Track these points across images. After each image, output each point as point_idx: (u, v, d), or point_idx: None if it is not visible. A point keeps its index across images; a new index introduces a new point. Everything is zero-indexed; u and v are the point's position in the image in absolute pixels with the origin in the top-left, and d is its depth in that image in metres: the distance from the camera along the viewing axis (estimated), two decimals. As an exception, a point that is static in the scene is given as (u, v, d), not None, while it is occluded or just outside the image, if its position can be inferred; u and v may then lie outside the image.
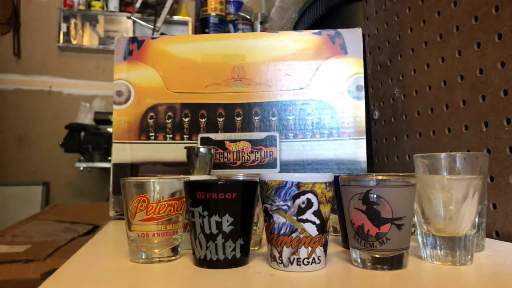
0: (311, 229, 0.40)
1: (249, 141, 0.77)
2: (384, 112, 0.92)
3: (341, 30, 0.77)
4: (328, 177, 0.41)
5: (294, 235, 0.40)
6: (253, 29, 1.92)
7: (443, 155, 0.50)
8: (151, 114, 0.79)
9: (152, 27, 1.72)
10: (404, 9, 0.84)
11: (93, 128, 2.45)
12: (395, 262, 0.41)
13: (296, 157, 0.77)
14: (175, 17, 2.68)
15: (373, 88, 0.96)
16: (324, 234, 0.41)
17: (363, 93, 0.76)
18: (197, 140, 0.78)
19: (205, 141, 0.78)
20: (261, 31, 1.90)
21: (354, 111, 0.75)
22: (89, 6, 2.63)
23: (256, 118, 0.78)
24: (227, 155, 0.77)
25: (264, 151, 0.77)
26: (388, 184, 0.40)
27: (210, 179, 0.52)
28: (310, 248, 0.40)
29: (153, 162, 0.77)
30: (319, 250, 0.41)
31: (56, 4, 2.63)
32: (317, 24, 1.16)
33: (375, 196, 0.40)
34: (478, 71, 0.64)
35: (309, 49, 0.77)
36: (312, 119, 0.76)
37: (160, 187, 0.44)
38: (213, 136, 0.78)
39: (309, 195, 0.40)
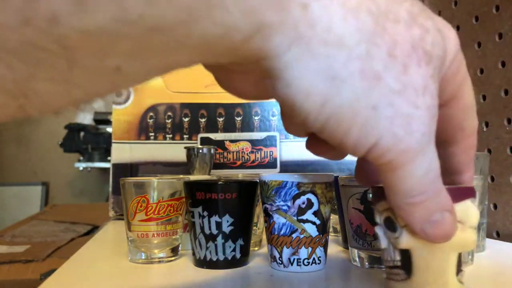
0: (311, 230, 0.40)
1: (249, 141, 0.77)
2: (384, 112, 0.91)
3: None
4: (328, 177, 0.41)
5: (294, 235, 0.40)
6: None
7: (443, 155, 0.50)
8: (151, 114, 0.78)
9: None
10: (404, 8, 0.83)
11: (92, 128, 2.45)
12: (395, 263, 0.41)
13: (296, 157, 0.77)
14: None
15: (373, 88, 0.96)
16: (324, 235, 0.41)
17: (363, 93, 0.76)
18: (197, 140, 0.78)
19: (205, 141, 0.77)
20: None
21: (354, 111, 0.75)
22: (88, 6, 2.64)
23: (256, 118, 0.78)
24: (227, 155, 0.77)
25: (264, 151, 0.77)
26: (388, 184, 0.40)
27: (210, 179, 0.52)
28: (310, 249, 0.40)
29: (153, 162, 0.77)
30: (319, 251, 0.40)
31: (56, 4, 2.64)
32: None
33: (375, 196, 0.40)
34: (478, 71, 0.63)
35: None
36: (312, 119, 0.76)
37: (159, 187, 0.44)
38: (213, 136, 0.78)
39: (309, 196, 0.40)
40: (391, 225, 0.27)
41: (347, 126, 0.19)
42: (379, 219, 0.27)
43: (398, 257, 0.27)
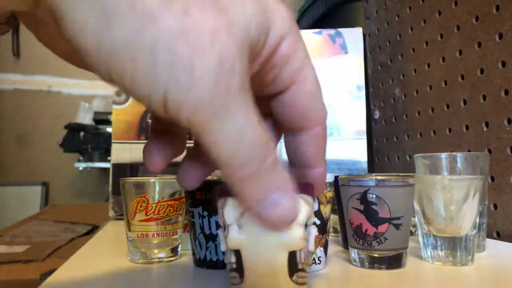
0: None
1: (249, 141, 0.77)
2: (385, 112, 0.91)
3: (341, 30, 0.77)
4: (328, 177, 0.41)
5: None
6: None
7: (444, 155, 0.50)
8: (151, 114, 0.78)
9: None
10: (404, 8, 0.83)
11: (92, 128, 2.45)
12: (393, 262, 0.41)
13: (296, 157, 0.76)
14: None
15: (374, 88, 0.96)
16: (324, 235, 0.41)
17: (363, 93, 0.76)
18: (196, 140, 0.78)
19: (204, 141, 0.77)
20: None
21: (355, 111, 0.75)
22: (88, 5, 2.63)
23: (256, 118, 0.77)
24: (227, 155, 0.77)
25: (264, 151, 0.77)
26: (386, 184, 0.40)
27: (210, 179, 0.52)
28: None
29: (152, 162, 0.77)
30: (319, 251, 0.40)
31: (56, 4, 2.63)
32: (318, 23, 1.16)
33: (373, 196, 0.40)
34: (479, 71, 0.63)
35: (309, 49, 0.77)
36: (312, 119, 0.76)
37: (159, 187, 0.44)
38: (213, 136, 0.78)
39: (310, 195, 0.40)
40: (221, 224, 0.25)
41: (131, 72, 0.18)
42: (220, 219, 0.26)
43: (233, 259, 0.26)
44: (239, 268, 0.25)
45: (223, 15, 0.19)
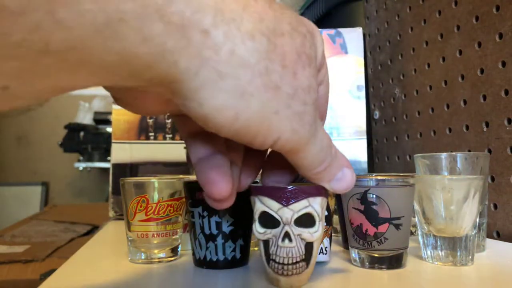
0: None
1: (249, 141, 0.77)
2: (385, 112, 0.91)
3: (341, 30, 0.77)
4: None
5: None
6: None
7: (444, 155, 0.50)
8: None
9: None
10: (404, 8, 0.83)
11: (92, 128, 2.45)
12: (393, 262, 0.41)
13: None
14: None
15: (374, 88, 0.96)
16: (330, 226, 0.42)
17: (363, 93, 0.76)
18: (196, 140, 0.78)
19: (204, 141, 0.77)
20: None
21: (355, 111, 0.75)
22: (88, 6, 2.63)
23: (256, 118, 0.77)
24: (227, 155, 0.77)
25: (264, 151, 0.77)
26: (386, 184, 0.40)
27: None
28: None
29: (152, 162, 0.77)
30: (326, 241, 0.42)
31: (56, 4, 2.63)
32: (318, 23, 1.16)
33: (373, 196, 0.40)
34: (479, 71, 0.63)
35: (309, 49, 0.77)
36: (312, 119, 0.76)
37: (159, 187, 0.44)
38: (213, 136, 0.78)
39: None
40: (309, 221, 0.31)
41: (257, 130, 0.23)
42: (290, 219, 0.31)
43: (303, 251, 0.31)
44: (308, 257, 0.31)
45: (312, 65, 0.24)
